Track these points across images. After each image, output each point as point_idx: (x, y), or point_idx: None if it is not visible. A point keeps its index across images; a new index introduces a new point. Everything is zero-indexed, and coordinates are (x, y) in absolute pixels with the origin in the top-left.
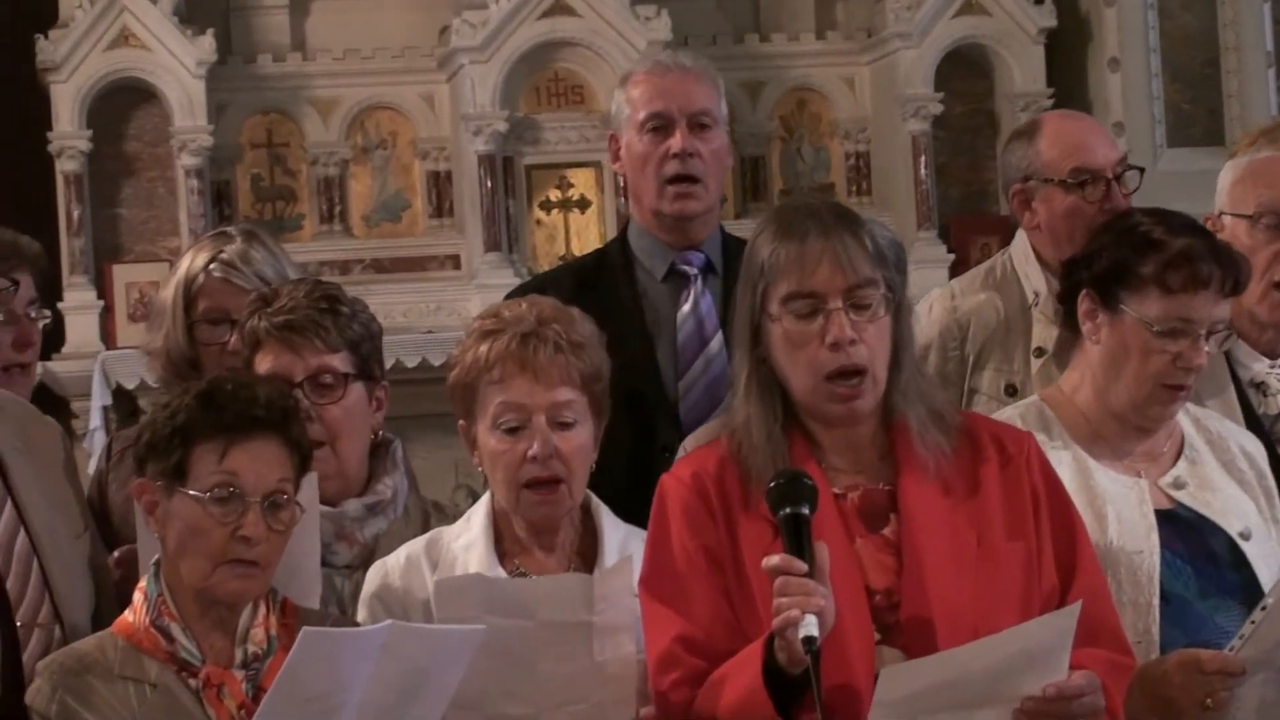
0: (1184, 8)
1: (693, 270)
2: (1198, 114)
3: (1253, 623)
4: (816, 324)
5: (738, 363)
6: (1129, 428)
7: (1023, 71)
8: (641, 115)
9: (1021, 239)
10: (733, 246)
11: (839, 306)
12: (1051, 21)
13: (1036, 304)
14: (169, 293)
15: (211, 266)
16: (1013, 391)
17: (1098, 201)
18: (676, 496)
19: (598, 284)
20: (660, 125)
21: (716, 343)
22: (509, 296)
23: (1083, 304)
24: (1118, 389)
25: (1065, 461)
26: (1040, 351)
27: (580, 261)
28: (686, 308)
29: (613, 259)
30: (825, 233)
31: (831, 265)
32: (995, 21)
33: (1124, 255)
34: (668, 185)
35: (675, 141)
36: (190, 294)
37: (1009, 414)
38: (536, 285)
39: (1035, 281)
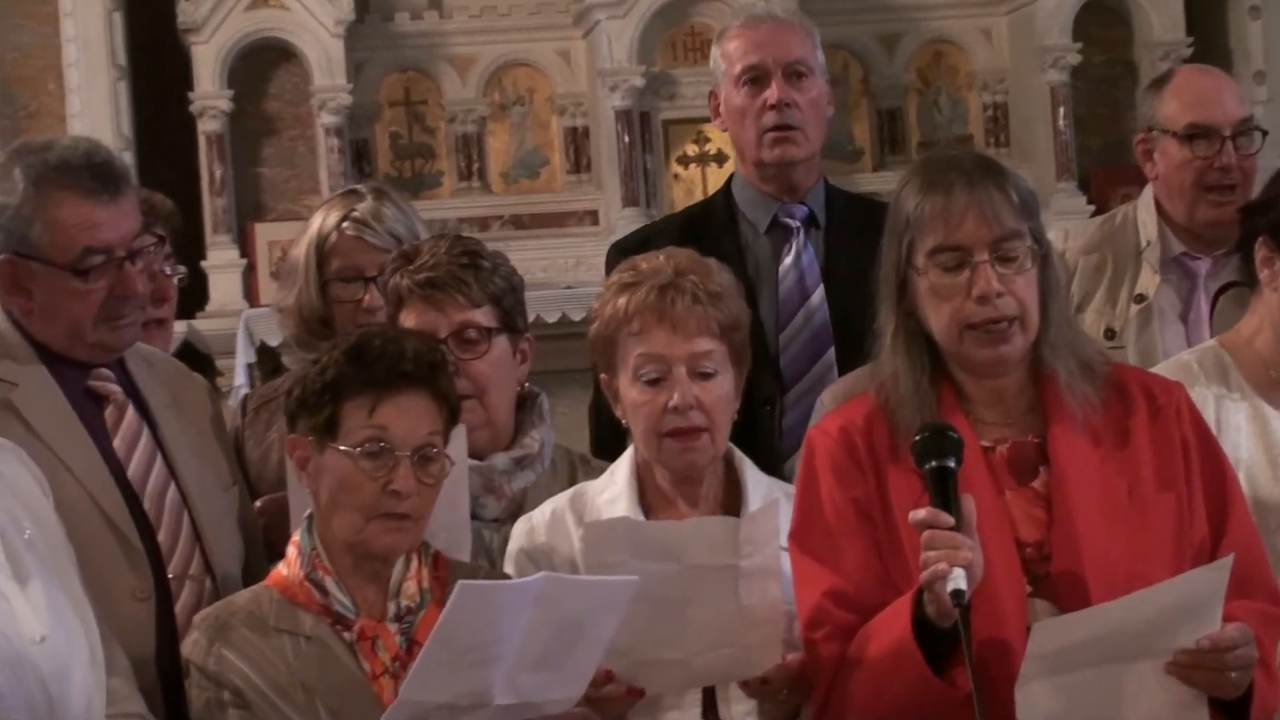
0: None
1: (795, 223)
2: None
3: None
4: (963, 277)
5: (884, 316)
6: None
7: (1162, 20)
8: (738, 69)
9: (1149, 188)
10: (837, 199)
11: (985, 259)
12: None
13: (1144, 252)
14: (301, 251)
15: (344, 225)
16: (1111, 335)
17: (1208, 158)
18: (824, 450)
19: (702, 236)
20: (756, 77)
21: (818, 296)
22: (614, 247)
23: (1259, 251)
24: None
25: (1242, 409)
26: (1141, 298)
27: (685, 213)
28: (788, 261)
29: (717, 211)
30: (970, 185)
31: (977, 218)
32: None
33: None
34: (766, 134)
35: (772, 92)
36: (323, 252)
37: (1186, 358)
38: (642, 237)
39: (1149, 230)
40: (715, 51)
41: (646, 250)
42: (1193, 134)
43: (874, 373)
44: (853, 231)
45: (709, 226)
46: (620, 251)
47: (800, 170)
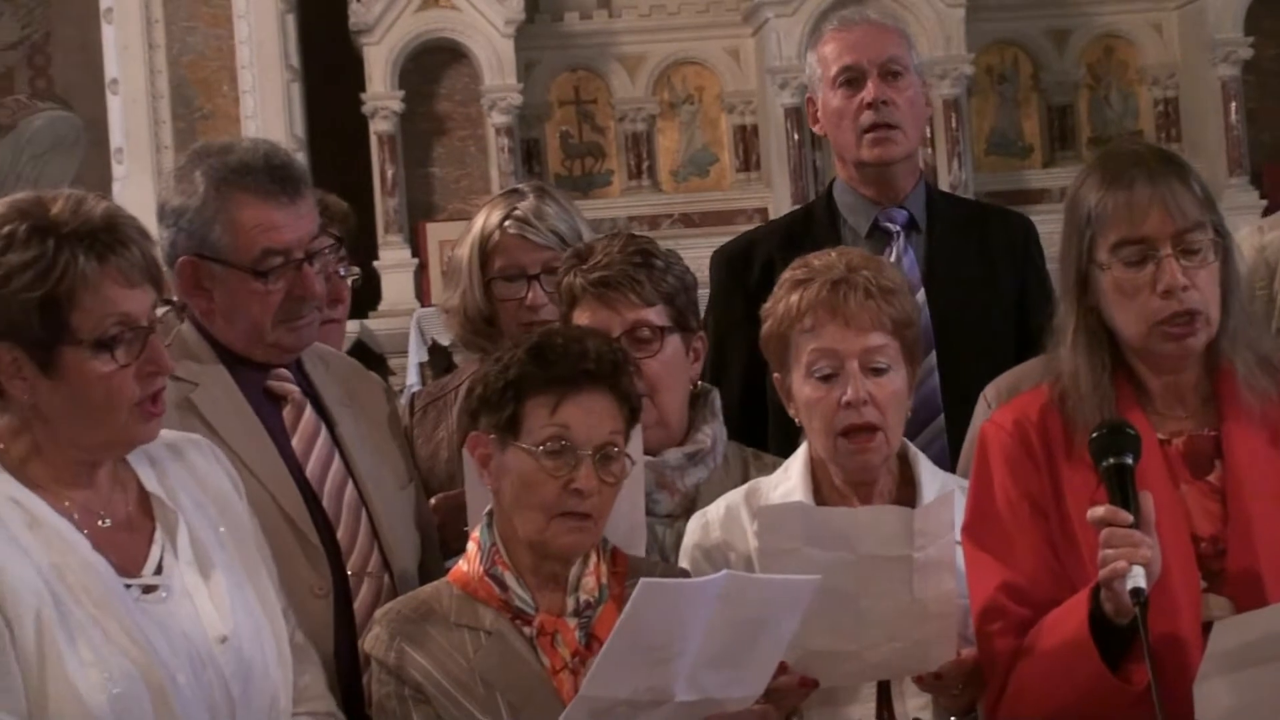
0: None
1: (895, 227)
2: None
3: None
4: (1147, 271)
5: (1064, 312)
6: None
7: None
8: (833, 71)
9: None
10: (938, 202)
11: (1169, 253)
12: None
13: None
14: (465, 250)
15: (506, 223)
16: None
17: None
18: (998, 443)
19: (803, 240)
20: (853, 78)
21: (918, 299)
22: (717, 252)
23: None
24: None
25: None
26: None
27: (789, 218)
28: None
29: (819, 216)
30: (1152, 179)
31: (1160, 212)
32: None
33: None
34: (865, 134)
35: (868, 91)
36: (486, 251)
37: None
38: (746, 241)
39: None
40: (810, 58)
41: (749, 255)
42: None
43: (1048, 367)
44: (954, 235)
45: (811, 231)
46: (722, 256)
47: (900, 170)
